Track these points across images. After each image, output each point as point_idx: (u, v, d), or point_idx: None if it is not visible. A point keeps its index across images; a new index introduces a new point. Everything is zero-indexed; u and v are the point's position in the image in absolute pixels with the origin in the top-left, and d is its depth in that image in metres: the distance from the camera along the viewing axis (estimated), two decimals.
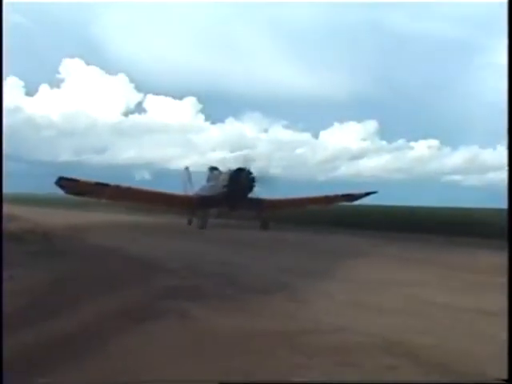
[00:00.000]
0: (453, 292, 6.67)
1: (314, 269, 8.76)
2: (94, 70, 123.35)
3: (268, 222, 21.41)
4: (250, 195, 21.29)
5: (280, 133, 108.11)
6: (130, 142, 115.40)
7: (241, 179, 20.72)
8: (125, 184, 20.57)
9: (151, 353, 3.83)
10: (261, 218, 21.72)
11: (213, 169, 24.35)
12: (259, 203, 21.60)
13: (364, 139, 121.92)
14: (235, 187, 20.68)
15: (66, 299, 5.76)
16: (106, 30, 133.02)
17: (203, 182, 25.08)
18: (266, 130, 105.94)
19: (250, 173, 20.85)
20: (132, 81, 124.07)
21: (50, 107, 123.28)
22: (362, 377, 3.40)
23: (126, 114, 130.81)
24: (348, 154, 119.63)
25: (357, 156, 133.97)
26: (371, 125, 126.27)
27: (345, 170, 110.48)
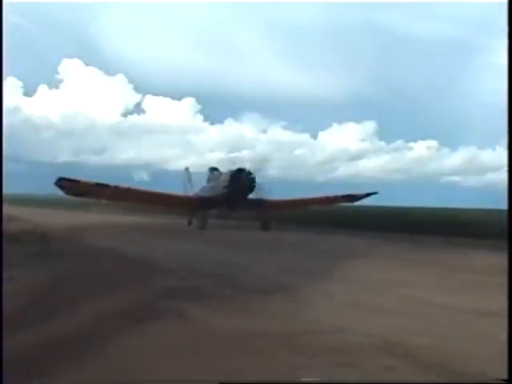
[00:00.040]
0: (452, 293, 6.68)
1: (314, 269, 8.75)
2: (93, 71, 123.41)
3: (268, 222, 21.37)
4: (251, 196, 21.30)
5: (279, 133, 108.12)
6: (128, 142, 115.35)
7: (241, 180, 20.70)
8: (124, 185, 20.57)
9: (151, 353, 3.82)
10: (261, 219, 21.70)
11: (213, 169, 24.33)
12: (260, 204, 21.54)
13: (363, 140, 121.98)
14: (235, 188, 20.66)
15: (66, 300, 5.76)
16: (105, 30, 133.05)
17: (203, 183, 25.08)
18: (264, 131, 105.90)
19: (251, 173, 20.83)
20: (131, 81, 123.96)
21: (48, 108, 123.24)
22: (362, 377, 3.40)
23: (125, 114, 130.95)
24: (347, 154, 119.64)
25: (355, 157, 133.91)
26: (370, 125, 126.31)
27: (344, 170, 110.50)
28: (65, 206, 37.22)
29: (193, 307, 5.37)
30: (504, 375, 3.27)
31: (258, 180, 20.83)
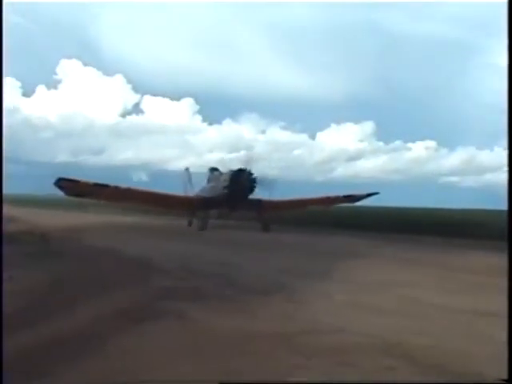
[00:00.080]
0: (452, 293, 6.68)
1: (315, 270, 8.75)
2: (92, 71, 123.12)
3: (269, 223, 21.33)
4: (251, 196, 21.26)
5: (277, 134, 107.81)
6: (127, 142, 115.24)
7: (241, 180, 20.63)
8: (123, 185, 20.50)
9: (150, 353, 3.83)
10: (261, 220, 21.66)
11: (213, 170, 24.23)
12: (260, 204, 21.49)
13: (361, 140, 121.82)
14: (236, 188, 20.59)
15: (65, 300, 5.76)
16: (104, 30, 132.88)
17: (202, 183, 25.04)
18: (263, 132, 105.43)
19: (251, 173, 20.75)
20: (129, 82, 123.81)
21: (47, 108, 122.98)
22: (361, 377, 3.40)
23: (124, 114, 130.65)
24: (345, 155, 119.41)
25: (354, 157, 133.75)
26: (368, 126, 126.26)
27: (342, 171, 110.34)
28: (63, 207, 37.07)
29: (193, 308, 5.37)
30: (502, 375, 3.29)
31: (259, 175, 20.68)
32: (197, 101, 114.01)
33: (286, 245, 14.80)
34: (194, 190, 25.99)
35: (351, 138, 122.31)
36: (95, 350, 3.91)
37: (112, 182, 19.82)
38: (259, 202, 21.45)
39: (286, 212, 26.36)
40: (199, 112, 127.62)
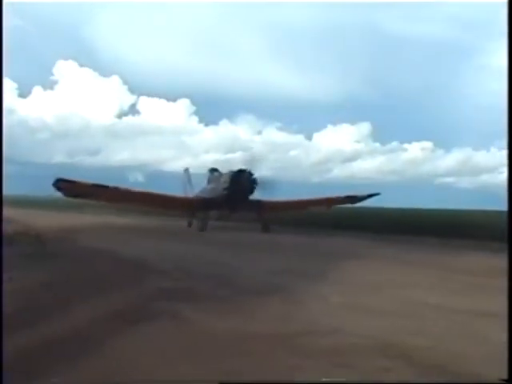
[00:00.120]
0: (449, 294, 6.64)
1: (313, 271, 8.70)
2: (88, 72, 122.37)
3: (269, 224, 21.15)
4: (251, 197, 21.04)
5: (274, 135, 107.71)
6: (123, 143, 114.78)
7: (242, 181, 20.45)
8: (120, 186, 20.23)
9: (145, 354, 3.80)
10: (262, 221, 21.48)
11: (213, 170, 24.05)
12: (260, 205, 21.33)
13: (357, 141, 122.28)
14: (236, 189, 20.41)
15: (61, 301, 5.71)
16: (100, 31, 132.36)
17: (202, 184, 24.80)
18: (259, 132, 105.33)
19: (251, 174, 20.59)
20: (125, 83, 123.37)
21: (43, 109, 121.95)
22: (358, 378, 3.39)
23: (120, 115, 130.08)
24: (341, 155, 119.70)
25: (350, 158, 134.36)
26: (365, 127, 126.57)
27: (338, 171, 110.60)
28: (59, 208, 36.98)
29: (192, 309, 5.35)
30: (500, 376, 3.26)
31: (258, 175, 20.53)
32: (193, 102, 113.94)
33: (286, 246, 14.77)
34: (194, 191, 25.74)
35: (348, 139, 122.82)
36: (90, 350, 3.89)
37: (108, 183, 19.64)
38: (260, 202, 21.28)
39: (286, 213, 26.18)
40: (195, 113, 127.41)
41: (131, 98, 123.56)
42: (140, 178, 69.76)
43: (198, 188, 25.56)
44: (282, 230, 20.85)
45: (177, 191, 26.43)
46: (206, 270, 8.51)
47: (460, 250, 13.40)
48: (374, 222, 23.70)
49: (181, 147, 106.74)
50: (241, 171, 20.70)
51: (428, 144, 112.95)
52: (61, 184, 18.12)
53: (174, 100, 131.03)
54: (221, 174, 22.88)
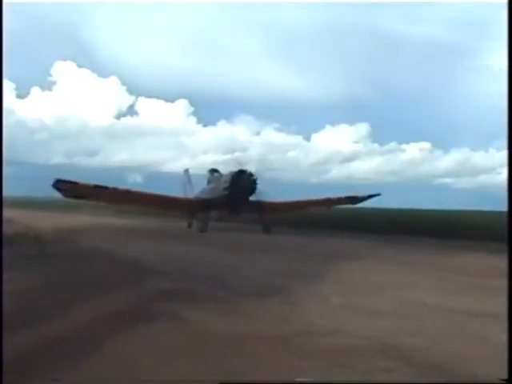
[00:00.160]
0: (447, 294, 6.64)
1: (312, 272, 8.69)
2: (86, 73, 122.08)
3: (269, 225, 21.03)
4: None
5: (272, 135, 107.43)
6: (121, 144, 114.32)
7: (242, 181, 20.33)
8: (120, 187, 20.11)
9: (145, 355, 3.78)
10: (262, 221, 21.34)
11: (213, 171, 23.94)
12: (261, 206, 21.18)
13: (356, 142, 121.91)
14: (237, 190, 20.29)
15: (61, 302, 5.70)
16: (98, 32, 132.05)
17: (202, 185, 24.68)
18: (258, 133, 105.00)
19: (252, 175, 20.48)
20: (124, 83, 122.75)
21: (41, 110, 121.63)
22: (357, 379, 3.38)
23: (118, 116, 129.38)
24: (340, 156, 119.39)
25: (349, 158, 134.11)
26: (363, 127, 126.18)
27: (337, 172, 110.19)
28: (58, 208, 36.92)
29: (191, 310, 5.33)
30: (498, 376, 3.24)
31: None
32: (191, 102, 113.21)
33: (286, 247, 14.76)
34: (194, 192, 25.60)
35: (346, 140, 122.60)
36: (90, 351, 3.88)
37: (107, 184, 19.60)
38: (260, 203, 21.13)
39: (288, 213, 26.03)
40: (194, 114, 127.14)
41: (129, 99, 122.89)
42: (138, 178, 69.72)
43: (197, 189, 25.42)
44: (282, 231, 20.79)
45: (176, 192, 26.22)
46: (206, 271, 8.48)
47: (458, 250, 13.46)
48: (373, 223, 23.76)
49: (179, 148, 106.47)
50: (241, 172, 20.59)
51: (426, 145, 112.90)
52: (61, 185, 18.04)
53: (173, 101, 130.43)
54: (221, 175, 22.78)
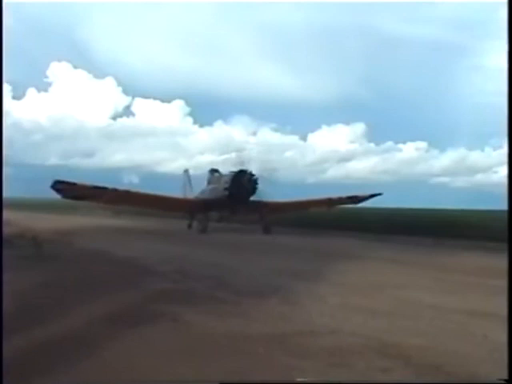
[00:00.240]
0: (445, 294, 6.64)
1: (312, 272, 8.69)
2: (82, 74, 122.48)
3: (270, 225, 20.94)
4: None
5: (268, 136, 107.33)
6: (118, 145, 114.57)
7: (243, 181, 20.26)
8: (119, 187, 20.04)
9: (145, 357, 3.76)
10: (263, 222, 21.28)
11: (213, 171, 23.82)
12: (261, 206, 21.10)
13: (352, 142, 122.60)
14: (237, 190, 20.21)
15: (59, 303, 5.69)
16: (94, 33, 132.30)
17: (200, 186, 24.60)
18: (254, 133, 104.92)
19: (253, 175, 20.41)
20: (120, 84, 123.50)
21: (37, 111, 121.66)
22: (356, 378, 3.38)
23: (114, 117, 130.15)
24: (336, 156, 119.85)
25: (345, 158, 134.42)
26: (359, 127, 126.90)
27: (333, 172, 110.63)
28: (55, 209, 36.71)
29: (190, 310, 5.34)
30: (497, 375, 3.25)
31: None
32: (188, 103, 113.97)
33: (286, 247, 14.76)
34: (194, 192, 25.53)
35: (342, 140, 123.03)
36: (89, 353, 3.86)
37: (104, 185, 19.42)
38: (261, 203, 21.05)
39: (288, 214, 25.96)
40: (190, 114, 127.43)
41: (126, 100, 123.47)
42: (135, 179, 69.53)
43: (195, 189, 25.32)
44: (282, 231, 20.76)
45: (172, 192, 25.98)
46: (206, 272, 8.47)
47: (455, 250, 13.47)
48: (371, 223, 23.79)
49: (175, 148, 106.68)
50: (242, 172, 20.51)
51: (422, 144, 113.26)
52: (59, 186, 17.97)
53: (169, 101, 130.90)
54: (221, 175, 22.68)
